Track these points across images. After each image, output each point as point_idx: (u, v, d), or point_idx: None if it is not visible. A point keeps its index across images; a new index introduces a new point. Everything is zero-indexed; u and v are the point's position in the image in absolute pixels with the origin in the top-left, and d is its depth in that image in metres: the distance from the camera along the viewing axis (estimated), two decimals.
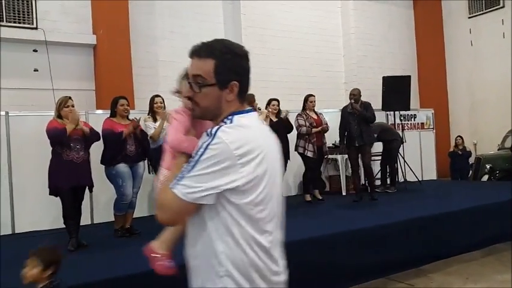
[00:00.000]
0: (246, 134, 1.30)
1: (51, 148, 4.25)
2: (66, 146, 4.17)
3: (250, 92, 5.41)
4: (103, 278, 3.06)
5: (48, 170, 4.24)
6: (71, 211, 4.25)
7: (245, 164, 1.25)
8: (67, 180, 4.16)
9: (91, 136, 4.37)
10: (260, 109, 5.37)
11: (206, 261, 1.29)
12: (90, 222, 5.59)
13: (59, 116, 4.28)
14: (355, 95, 6.24)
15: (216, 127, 1.29)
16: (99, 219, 5.65)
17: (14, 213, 5.34)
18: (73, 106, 4.31)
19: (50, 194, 4.27)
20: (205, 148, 1.25)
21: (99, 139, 4.58)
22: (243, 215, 1.27)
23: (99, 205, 5.70)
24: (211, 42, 1.34)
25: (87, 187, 4.47)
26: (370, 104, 6.28)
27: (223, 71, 1.32)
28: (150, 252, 1.61)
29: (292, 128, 6.35)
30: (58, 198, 4.29)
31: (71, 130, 4.15)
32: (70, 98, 4.38)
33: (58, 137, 4.13)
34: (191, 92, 1.33)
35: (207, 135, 1.27)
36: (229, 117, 1.33)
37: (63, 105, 4.28)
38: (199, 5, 8.83)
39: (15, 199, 5.34)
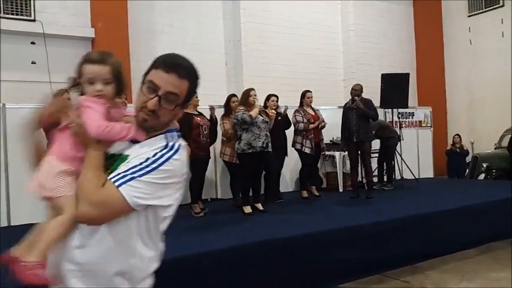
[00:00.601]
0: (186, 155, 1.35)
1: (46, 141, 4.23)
2: None
3: (249, 87, 5.34)
4: None
5: None
6: None
7: (180, 183, 1.31)
8: None
9: None
10: (254, 102, 5.29)
11: (109, 265, 1.25)
12: None
13: None
14: (356, 90, 6.21)
15: (177, 142, 1.32)
16: None
17: (10, 205, 5.32)
18: (69, 99, 4.29)
19: None
20: (167, 159, 1.25)
21: None
22: (157, 227, 1.33)
23: None
24: (183, 61, 1.33)
25: None
26: (371, 101, 6.27)
27: (190, 94, 1.35)
28: (15, 259, 1.24)
29: (290, 124, 6.34)
30: None
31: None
32: (67, 90, 4.36)
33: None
34: (157, 106, 1.28)
35: (166, 147, 1.28)
36: (175, 133, 1.36)
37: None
38: (199, 0, 8.79)
39: (12, 191, 5.32)
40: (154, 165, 1.23)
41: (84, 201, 1.19)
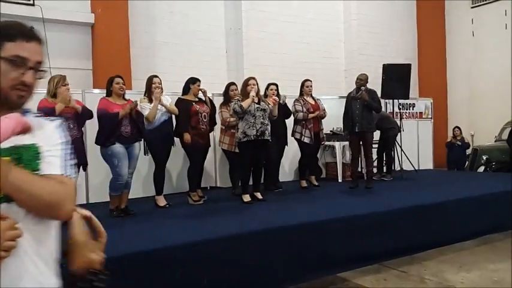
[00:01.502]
0: None
1: None
2: None
3: (249, 75, 5.27)
4: None
5: None
6: None
7: None
8: None
9: (83, 114, 4.32)
10: (249, 92, 5.25)
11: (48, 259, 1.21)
12: (85, 202, 5.59)
13: (54, 94, 4.23)
14: (361, 79, 6.15)
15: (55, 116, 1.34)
16: (94, 199, 5.64)
17: None
18: (68, 84, 4.28)
19: None
20: (65, 134, 1.28)
21: (91, 117, 4.54)
22: None
23: (94, 185, 5.69)
24: (30, 27, 1.25)
25: (81, 165, 4.44)
26: (375, 92, 6.22)
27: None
28: None
29: (290, 114, 6.31)
30: None
31: (61, 109, 4.12)
32: (65, 77, 4.34)
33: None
34: (34, 78, 1.21)
35: (58, 125, 1.28)
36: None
37: (61, 83, 4.23)
38: None
39: None
40: (68, 145, 1.27)
41: (67, 201, 1.15)
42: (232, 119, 5.60)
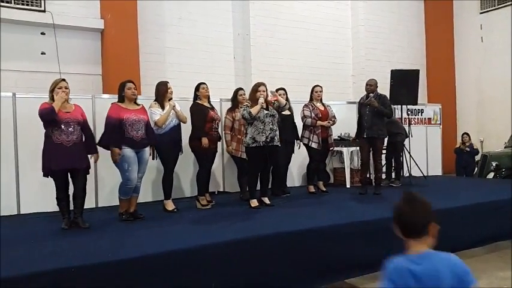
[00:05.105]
0: None
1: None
2: (57, 127, 4.15)
3: (257, 81, 5.28)
4: (105, 261, 3.08)
5: (42, 152, 4.27)
6: (61, 193, 4.31)
7: None
8: (57, 163, 4.18)
9: (84, 128, 4.39)
10: (258, 98, 5.21)
11: None
12: (94, 206, 5.63)
13: (52, 97, 4.27)
14: (371, 85, 6.14)
15: None
16: (104, 203, 5.68)
17: (19, 194, 5.37)
18: (66, 88, 4.28)
19: (43, 176, 4.31)
20: None
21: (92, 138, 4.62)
22: None
23: (104, 189, 5.73)
24: None
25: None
26: (386, 97, 6.20)
27: None
28: None
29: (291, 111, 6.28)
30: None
31: (59, 108, 4.14)
32: (64, 79, 4.39)
33: (48, 115, 4.10)
34: None
35: None
36: None
37: (56, 86, 4.27)
38: None
39: (21, 180, 5.37)
40: None
41: None
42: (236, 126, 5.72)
